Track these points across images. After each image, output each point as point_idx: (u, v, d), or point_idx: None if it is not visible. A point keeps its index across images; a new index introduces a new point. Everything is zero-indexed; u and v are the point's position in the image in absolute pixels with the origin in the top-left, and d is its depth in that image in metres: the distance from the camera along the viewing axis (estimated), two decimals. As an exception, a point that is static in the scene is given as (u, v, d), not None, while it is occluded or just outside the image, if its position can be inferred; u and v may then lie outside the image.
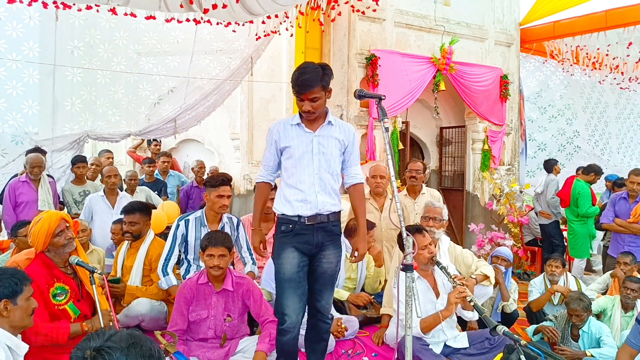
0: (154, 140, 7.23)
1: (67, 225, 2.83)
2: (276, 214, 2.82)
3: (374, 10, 6.17)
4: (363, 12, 6.08)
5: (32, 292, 2.25)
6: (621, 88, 9.49)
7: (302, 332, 3.42)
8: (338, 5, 5.88)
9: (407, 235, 2.48)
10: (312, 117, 2.68)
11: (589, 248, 6.06)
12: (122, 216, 3.99)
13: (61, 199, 5.28)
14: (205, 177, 6.39)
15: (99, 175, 5.61)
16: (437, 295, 3.36)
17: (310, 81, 2.56)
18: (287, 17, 5.74)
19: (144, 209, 3.95)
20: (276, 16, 5.64)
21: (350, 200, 2.90)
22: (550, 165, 6.98)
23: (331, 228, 2.75)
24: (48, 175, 5.22)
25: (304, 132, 2.70)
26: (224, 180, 3.70)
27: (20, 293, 2.16)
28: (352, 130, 2.83)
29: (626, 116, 10.28)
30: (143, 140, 7.48)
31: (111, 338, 1.26)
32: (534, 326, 3.71)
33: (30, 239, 2.77)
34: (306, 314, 2.88)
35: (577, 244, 5.96)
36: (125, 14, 4.98)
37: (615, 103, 10.03)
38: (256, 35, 5.78)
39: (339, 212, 2.80)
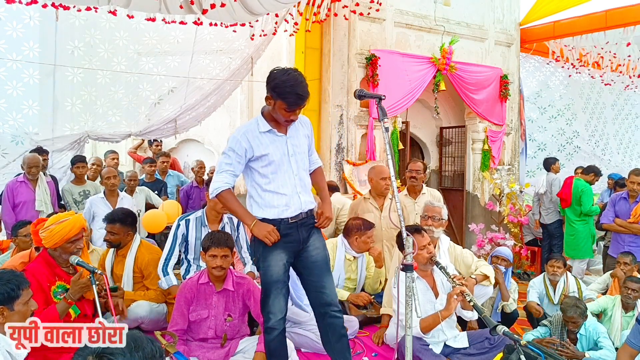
0: (155, 140, 7.23)
1: (83, 235, 2.87)
2: None
3: (377, 10, 6.16)
4: (362, 14, 6.08)
5: (31, 294, 2.20)
6: (626, 88, 9.49)
7: (301, 331, 3.44)
8: (336, 15, 5.86)
9: (407, 235, 2.48)
10: (290, 125, 2.67)
11: (591, 248, 6.03)
12: None
13: (62, 200, 5.29)
14: (205, 177, 6.39)
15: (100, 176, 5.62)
16: (436, 295, 3.36)
17: (308, 94, 2.57)
18: (291, 15, 5.72)
19: (125, 220, 3.73)
20: (276, 15, 5.63)
21: (314, 182, 2.92)
22: (548, 164, 6.97)
23: (311, 221, 2.79)
24: (51, 176, 5.24)
25: (276, 137, 2.68)
26: None
27: (17, 298, 2.10)
28: (309, 120, 2.87)
29: (624, 117, 10.26)
30: (143, 140, 7.48)
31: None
32: (531, 336, 3.67)
33: (44, 233, 2.76)
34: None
35: (580, 244, 5.92)
36: (131, 16, 4.99)
37: (612, 104, 10.02)
38: (258, 34, 5.77)
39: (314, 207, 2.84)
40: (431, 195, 4.70)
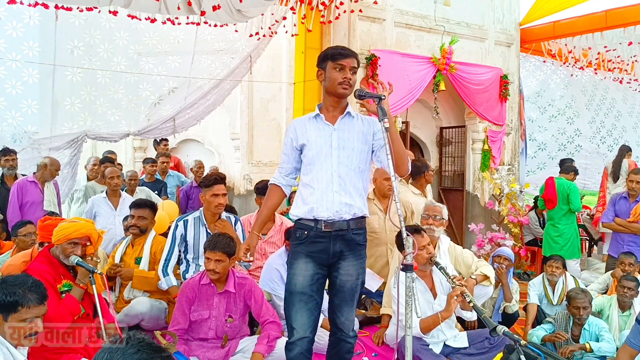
0: (163, 139, 7.19)
1: (88, 244, 2.86)
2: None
3: (374, 3, 6.10)
4: (361, 10, 6.05)
5: (38, 314, 2.08)
6: (628, 83, 9.48)
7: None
8: (336, 18, 5.84)
9: (407, 235, 2.47)
10: (348, 92, 2.47)
11: (578, 248, 5.99)
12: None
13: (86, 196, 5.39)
14: (204, 177, 6.39)
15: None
16: (435, 296, 3.36)
17: (352, 52, 2.50)
18: (293, 11, 5.69)
19: (152, 206, 4.08)
20: (274, 16, 5.63)
21: None
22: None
23: (352, 237, 2.49)
24: None
25: (323, 124, 2.49)
26: (217, 179, 3.71)
27: (14, 312, 2.01)
28: (375, 120, 2.57)
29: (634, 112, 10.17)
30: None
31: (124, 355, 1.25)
32: (539, 334, 3.67)
33: (56, 227, 2.83)
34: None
35: (567, 244, 5.89)
36: (138, 18, 5.01)
37: (623, 98, 9.94)
38: (256, 34, 5.77)
39: (363, 218, 2.55)
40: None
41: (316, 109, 2.57)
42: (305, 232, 2.46)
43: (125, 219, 4.46)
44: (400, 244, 3.16)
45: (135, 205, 4.05)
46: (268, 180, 2.75)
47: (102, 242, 4.63)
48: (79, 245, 2.80)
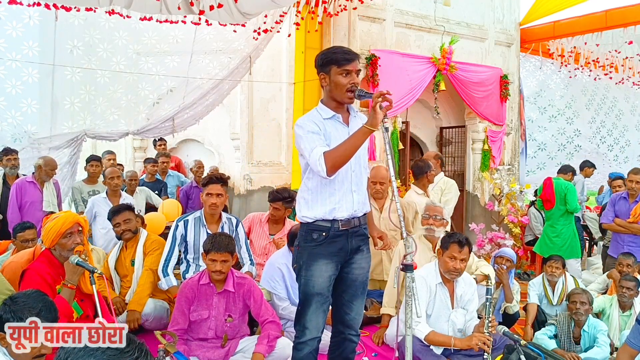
0: (160, 139, 7.20)
1: (80, 229, 2.83)
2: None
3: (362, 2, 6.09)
4: (355, 8, 6.04)
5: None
6: (634, 85, 9.48)
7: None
8: (330, 15, 5.83)
9: (407, 235, 2.45)
10: (353, 97, 2.43)
11: (578, 247, 5.97)
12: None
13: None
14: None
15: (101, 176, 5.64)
16: (453, 306, 3.32)
17: (355, 52, 2.42)
18: (299, 11, 5.69)
19: (128, 207, 4.04)
20: (277, 18, 5.63)
21: None
22: (582, 166, 7.05)
23: (363, 231, 2.56)
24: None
25: (340, 125, 2.47)
26: (211, 178, 3.71)
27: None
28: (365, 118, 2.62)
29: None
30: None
31: None
32: (543, 338, 3.65)
33: (42, 232, 2.81)
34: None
35: (566, 244, 5.87)
36: (128, 17, 5.00)
37: (625, 97, 9.93)
38: (255, 31, 5.76)
39: (366, 213, 2.62)
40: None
41: (324, 108, 2.49)
42: (324, 234, 2.45)
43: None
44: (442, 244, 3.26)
45: (113, 212, 3.95)
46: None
47: (102, 243, 4.67)
48: (74, 234, 2.77)
